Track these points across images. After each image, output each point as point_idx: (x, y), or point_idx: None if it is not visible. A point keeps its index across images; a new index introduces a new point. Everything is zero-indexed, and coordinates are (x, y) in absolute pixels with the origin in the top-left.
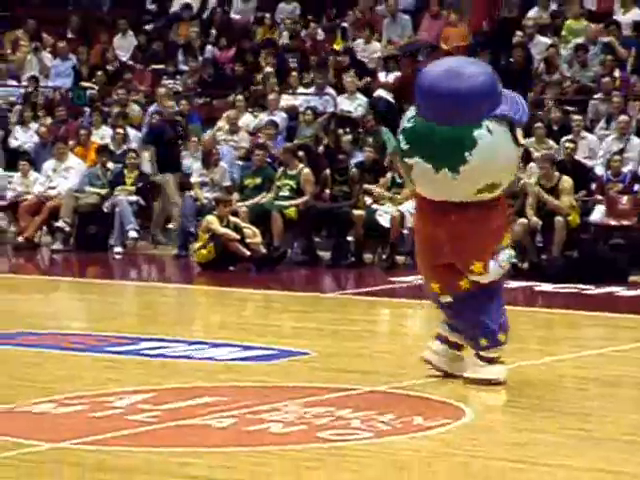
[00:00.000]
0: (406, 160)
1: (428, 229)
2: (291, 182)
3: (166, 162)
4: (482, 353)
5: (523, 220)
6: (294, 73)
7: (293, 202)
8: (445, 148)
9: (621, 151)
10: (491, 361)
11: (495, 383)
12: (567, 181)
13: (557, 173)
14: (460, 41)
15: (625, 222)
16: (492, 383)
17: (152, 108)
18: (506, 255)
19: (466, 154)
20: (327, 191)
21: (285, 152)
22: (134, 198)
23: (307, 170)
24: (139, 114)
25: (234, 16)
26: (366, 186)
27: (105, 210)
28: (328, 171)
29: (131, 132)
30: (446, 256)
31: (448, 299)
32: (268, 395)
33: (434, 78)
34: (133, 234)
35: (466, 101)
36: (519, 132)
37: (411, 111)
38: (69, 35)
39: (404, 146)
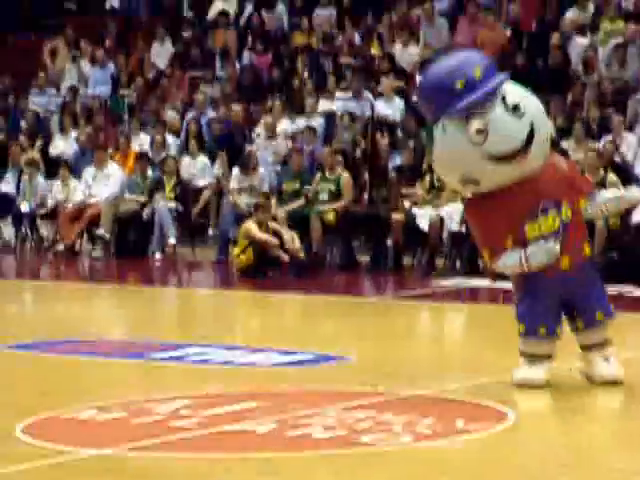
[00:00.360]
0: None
1: None
2: (330, 186)
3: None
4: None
5: None
6: (331, 77)
7: (332, 206)
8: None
9: None
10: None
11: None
12: (613, 177)
13: (602, 170)
14: (496, 45)
15: None
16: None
17: (190, 114)
18: (509, 259)
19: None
20: (365, 195)
21: (329, 154)
22: (173, 205)
23: (346, 174)
24: (177, 121)
25: (270, 22)
26: (405, 190)
27: (144, 217)
28: (366, 175)
29: (169, 139)
30: None
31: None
32: (309, 400)
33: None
34: (173, 240)
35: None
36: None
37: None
38: (107, 43)
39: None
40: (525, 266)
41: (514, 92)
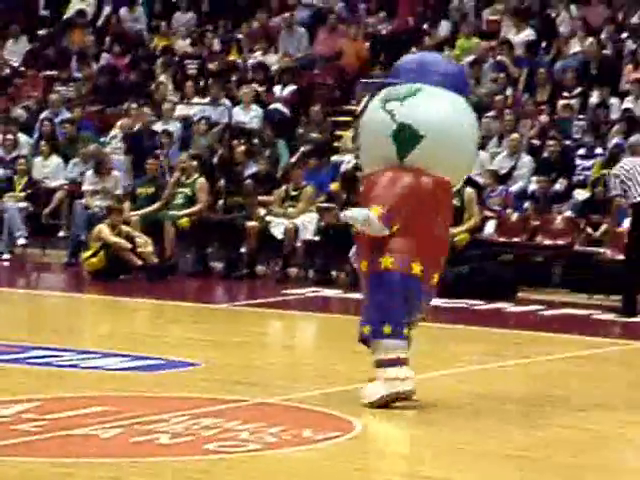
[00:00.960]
0: (418, 130)
1: None
2: (186, 190)
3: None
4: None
5: None
6: (189, 83)
7: (186, 211)
8: (466, 112)
9: (512, 169)
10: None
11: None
12: (470, 191)
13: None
14: (356, 56)
15: (514, 239)
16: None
17: (44, 114)
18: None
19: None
20: (220, 202)
21: (188, 160)
22: (24, 204)
23: (202, 179)
24: (29, 120)
25: (129, 24)
26: (260, 198)
27: None
28: (222, 182)
29: (22, 138)
30: None
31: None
32: (156, 406)
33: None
34: (22, 241)
35: (456, 73)
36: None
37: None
38: None
39: (410, 120)
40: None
41: None
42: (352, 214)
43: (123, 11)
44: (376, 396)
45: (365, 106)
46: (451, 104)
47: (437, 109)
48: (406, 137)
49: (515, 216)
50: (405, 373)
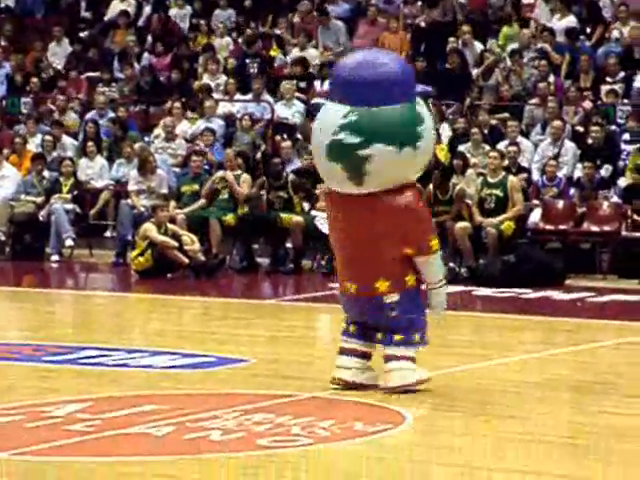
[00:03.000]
0: (360, 152)
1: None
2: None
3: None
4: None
5: (462, 224)
6: (231, 79)
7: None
8: (402, 127)
9: (556, 156)
10: (413, 360)
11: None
12: (514, 180)
13: (503, 172)
14: (399, 48)
15: (561, 226)
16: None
17: (89, 116)
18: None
19: (419, 129)
20: (264, 198)
21: (232, 156)
22: (70, 206)
23: (246, 175)
24: (76, 122)
25: (170, 23)
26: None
27: (41, 219)
28: (264, 177)
29: (67, 140)
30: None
31: (395, 298)
32: (207, 402)
33: (354, 65)
34: (70, 242)
35: (391, 80)
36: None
37: (332, 107)
38: (2, 43)
39: (354, 139)
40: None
41: None
42: (441, 303)
43: (163, 11)
44: (415, 377)
45: None
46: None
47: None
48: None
49: (561, 203)
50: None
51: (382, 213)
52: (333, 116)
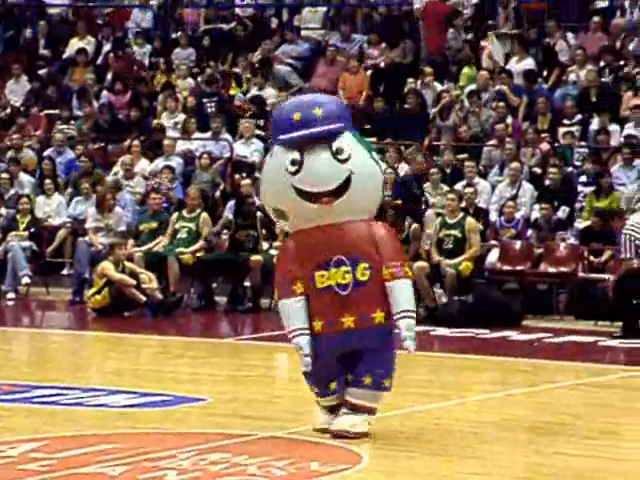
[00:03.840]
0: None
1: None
2: (190, 225)
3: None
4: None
5: (420, 264)
6: (190, 118)
7: (191, 249)
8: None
9: (513, 197)
10: (371, 411)
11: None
12: (472, 221)
13: (462, 213)
14: (358, 88)
15: (518, 267)
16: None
17: (46, 153)
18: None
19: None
20: (224, 237)
21: (195, 194)
22: (27, 243)
23: (205, 214)
24: (33, 159)
25: (128, 61)
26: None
27: None
28: (229, 216)
29: (24, 177)
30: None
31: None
32: (164, 442)
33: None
34: (26, 280)
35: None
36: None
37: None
38: None
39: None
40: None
41: (349, 143)
42: (411, 332)
43: (122, 50)
44: (363, 428)
45: None
46: None
47: None
48: None
49: (518, 244)
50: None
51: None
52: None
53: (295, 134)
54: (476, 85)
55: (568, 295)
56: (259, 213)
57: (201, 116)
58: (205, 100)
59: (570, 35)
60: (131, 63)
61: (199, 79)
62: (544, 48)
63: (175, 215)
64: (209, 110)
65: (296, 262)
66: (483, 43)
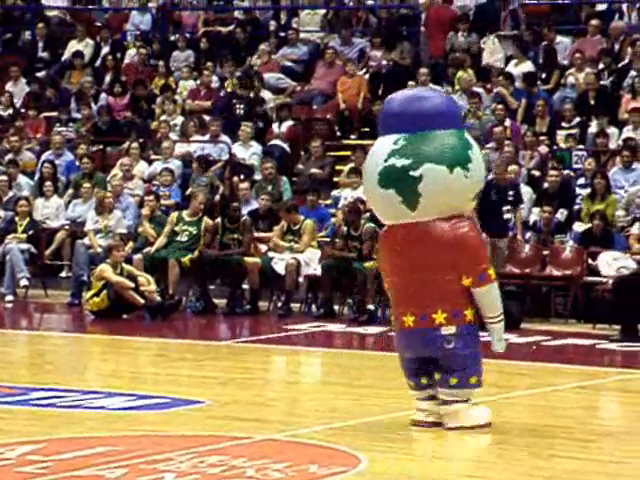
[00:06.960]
0: (412, 173)
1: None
2: (191, 229)
3: None
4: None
5: None
6: (192, 123)
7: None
8: (451, 148)
9: None
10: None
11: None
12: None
13: None
14: (357, 90)
15: (518, 270)
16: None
17: (45, 156)
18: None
19: (468, 152)
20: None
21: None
22: (25, 246)
23: (207, 218)
24: (32, 161)
25: (127, 64)
26: (259, 235)
27: None
28: (219, 219)
29: (23, 179)
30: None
31: (452, 330)
32: (162, 444)
33: (402, 100)
34: (24, 282)
35: (438, 110)
36: None
37: (382, 139)
38: None
39: (405, 161)
40: None
41: None
42: (502, 339)
43: (120, 52)
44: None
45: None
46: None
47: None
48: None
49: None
50: None
51: (437, 243)
52: (383, 146)
53: None
54: (474, 87)
55: (572, 298)
56: (246, 217)
57: (231, 119)
58: (235, 101)
59: (569, 38)
60: (129, 66)
61: (198, 82)
62: (543, 51)
63: (174, 215)
64: (237, 112)
65: None
66: (482, 45)
